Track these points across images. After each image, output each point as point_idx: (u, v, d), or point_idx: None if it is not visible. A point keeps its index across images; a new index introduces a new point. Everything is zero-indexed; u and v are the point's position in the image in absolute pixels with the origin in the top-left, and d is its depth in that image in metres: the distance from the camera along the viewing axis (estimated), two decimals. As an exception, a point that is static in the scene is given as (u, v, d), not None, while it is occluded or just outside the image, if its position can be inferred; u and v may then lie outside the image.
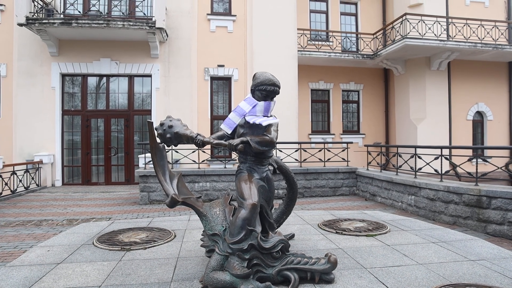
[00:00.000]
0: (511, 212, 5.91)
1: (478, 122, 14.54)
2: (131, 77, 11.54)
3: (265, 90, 2.96)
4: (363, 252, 3.36)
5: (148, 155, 9.07)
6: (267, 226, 3.07)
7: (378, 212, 5.48)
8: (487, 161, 7.37)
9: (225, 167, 9.51)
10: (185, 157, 9.14)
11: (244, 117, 2.98)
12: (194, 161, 9.29)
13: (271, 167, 3.25)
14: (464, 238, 3.92)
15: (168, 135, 3.10)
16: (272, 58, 12.31)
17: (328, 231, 4.17)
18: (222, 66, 12.44)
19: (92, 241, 3.78)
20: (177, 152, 9.13)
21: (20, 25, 9.87)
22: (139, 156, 9.98)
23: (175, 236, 3.98)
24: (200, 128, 11.87)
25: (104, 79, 11.48)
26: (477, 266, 3.04)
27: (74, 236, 4.04)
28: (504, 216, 5.99)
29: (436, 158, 7.46)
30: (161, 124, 3.16)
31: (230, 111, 12.49)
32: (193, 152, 9.31)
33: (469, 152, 13.25)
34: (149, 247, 3.53)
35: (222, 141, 2.94)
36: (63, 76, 11.24)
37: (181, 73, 11.66)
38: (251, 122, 2.85)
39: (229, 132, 3.03)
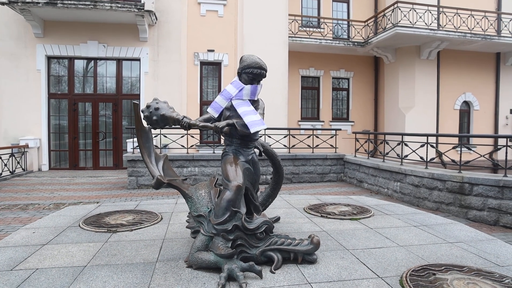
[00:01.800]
0: (491, 199, 6.09)
1: (465, 112, 14.77)
2: (119, 61, 11.34)
3: (252, 73, 2.96)
4: (346, 235, 3.44)
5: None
6: (253, 208, 3.11)
7: (364, 197, 5.58)
8: (471, 150, 7.53)
9: (213, 152, 9.53)
10: (174, 142, 9.11)
11: (230, 101, 2.98)
12: (183, 146, 9.27)
13: (257, 150, 3.27)
14: (444, 222, 4.03)
15: (154, 117, 3.08)
16: (263, 44, 12.21)
17: (313, 214, 4.25)
18: (212, 51, 12.30)
19: (79, 223, 3.78)
20: (165, 137, 9.09)
21: (2, 3, 9.57)
22: (127, 140, 9.92)
23: (161, 218, 4.01)
24: (189, 113, 11.79)
25: (92, 62, 11.27)
26: (455, 248, 3.15)
27: (60, 218, 4.03)
28: (485, 202, 6.16)
29: (422, 146, 7.59)
30: (148, 106, 3.14)
31: (220, 97, 12.44)
32: (181, 137, 9.29)
33: (455, 140, 13.49)
34: (135, 229, 3.55)
35: (208, 124, 2.94)
36: (49, 58, 10.98)
37: (171, 58, 11.50)
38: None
39: (216, 115, 3.03)
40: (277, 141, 10.18)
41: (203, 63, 12.46)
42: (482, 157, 7.03)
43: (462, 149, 9.77)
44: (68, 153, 11.19)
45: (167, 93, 11.26)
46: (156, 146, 9.14)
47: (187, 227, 3.01)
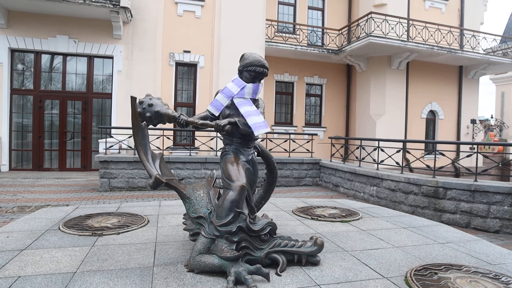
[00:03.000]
0: (464, 202, 6.37)
1: (431, 121, 15.52)
2: (90, 58, 10.84)
3: (254, 72, 2.89)
4: (341, 237, 3.43)
5: (110, 139, 8.62)
6: (249, 210, 3.02)
7: (348, 200, 5.65)
8: (443, 155, 7.84)
9: (189, 155, 9.31)
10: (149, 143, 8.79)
11: (231, 99, 2.89)
12: (158, 148, 8.98)
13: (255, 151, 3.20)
14: (430, 224, 4.15)
15: (147, 114, 2.92)
16: (240, 47, 12.16)
17: (304, 217, 4.22)
18: (188, 52, 12.09)
19: (58, 226, 3.50)
20: (141, 138, 8.74)
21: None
22: (99, 140, 9.45)
23: (148, 221, 3.80)
24: (164, 114, 11.46)
25: (60, 57, 10.68)
26: (447, 248, 3.23)
27: (35, 221, 3.72)
28: (457, 205, 6.44)
29: (398, 151, 7.84)
30: (140, 103, 2.97)
31: (194, 98, 12.23)
32: (157, 138, 9.00)
33: (422, 147, 14.11)
34: (122, 232, 3.34)
35: (208, 122, 2.83)
36: (13, 51, 10.28)
37: (145, 57, 11.16)
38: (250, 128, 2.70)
39: (217, 114, 2.92)
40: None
41: (178, 64, 12.20)
42: (456, 163, 7.37)
43: (429, 155, 10.24)
44: (31, 153, 10.49)
45: (141, 93, 10.68)
46: (129, 147, 8.79)
47: (184, 229, 2.86)
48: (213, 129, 2.75)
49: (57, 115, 10.68)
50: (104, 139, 8.59)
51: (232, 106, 2.91)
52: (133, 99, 2.72)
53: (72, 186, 8.33)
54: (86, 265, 2.56)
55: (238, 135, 2.90)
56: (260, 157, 3.45)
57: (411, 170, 9.13)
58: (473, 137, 15.73)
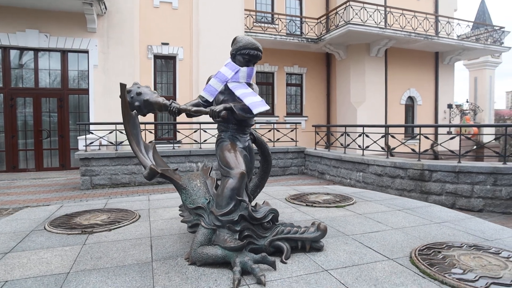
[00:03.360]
0: (449, 184, 6.50)
1: (410, 106, 15.84)
2: (64, 52, 10.36)
3: (248, 55, 2.77)
4: (339, 221, 3.40)
5: (89, 136, 8.31)
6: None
7: (338, 186, 5.65)
8: (427, 138, 7.97)
9: (173, 148, 9.12)
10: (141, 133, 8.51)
11: (225, 84, 2.77)
12: (142, 143, 8.73)
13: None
14: (423, 205, 4.19)
15: (136, 103, 2.78)
16: (219, 38, 11.94)
17: (298, 204, 4.17)
18: (167, 44, 11.78)
19: (43, 226, 3.30)
20: (121, 133, 8.44)
21: None
22: (78, 137, 9.08)
23: (139, 216, 3.65)
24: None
25: (31, 53, 10.15)
26: (444, 227, 3.25)
27: (17, 222, 3.49)
28: (443, 187, 6.57)
29: (382, 137, 7.93)
30: (128, 92, 2.81)
31: (175, 91, 11.96)
32: (140, 133, 8.75)
33: (402, 131, 14.38)
34: (114, 228, 3.18)
35: (202, 108, 2.71)
36: (-22, 47, 9.70)
37: (122, 50, 10.77)
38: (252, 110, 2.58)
39: (211, 99, 2.80)
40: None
41: (157, 57, 11.89)
42: (434, 148, 7.52)
43: (411, 140, 10.41)
44: (5, 154, 9.98)
45: (119, 88, 10.50)
46: (111, 143, 8.49)
47: (182, 221, 2.74)
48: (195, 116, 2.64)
49: (30, 113, 10.18)
50: (84, 136, 8.26)
51: (226, 92, 2.79)
52: (122, 86, 2.56)
53: (52, 186, 7.98)
54: (79, 264, 2.40)
55: (233, 121, 2.79)
56: (254, 144, 3.36)
57: (391, 155, 9.26)
58: (450, 121, 16.18)
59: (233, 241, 2.31)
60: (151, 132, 9.34)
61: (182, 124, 10.98)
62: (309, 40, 14.69)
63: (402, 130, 14.58)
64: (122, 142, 8.65)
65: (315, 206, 4.04)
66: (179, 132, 9.61)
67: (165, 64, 12.15)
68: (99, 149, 8.61)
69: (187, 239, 2.89)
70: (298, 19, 15.53)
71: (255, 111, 2.55)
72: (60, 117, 10.38)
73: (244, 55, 2.77)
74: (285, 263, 2.38)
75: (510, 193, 6.09)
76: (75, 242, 2.84)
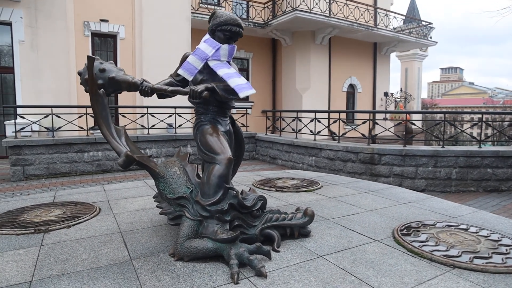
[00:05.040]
0: (396, 166, 6.93)
1: (351, 94, 16.62)
2: (-20, 23, 8.93)
3: (229, 31, 2.55)
4: (315, 205, 3.39)
5: (19, 121, 7.33)
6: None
7: (300, 171, 5.68)
8: (377, 123, 8.40)
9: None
10: (71, 123, 7.70)
11: (205, 62, 2.53)
12: (82, 128, 7.96)
13: (229, 121, 2.91)
14: (385, 187, 4.37)
15: (100, 81, 2.42)
16: (164, 18, 11.26)
17: (268, 189, 4.09)
18: (106, 21, 10.80)
19: (-18, 226, 2.78)
20: (58, 117, 7.59)
21: None
22: (5, 123, 7.94)
23: (100, 209, 3.26)
24: (81, 91, 10.16)
25: None
26: (411, 207, 3.41)
27: None
28: (391, 170, 6.98)
29: (334, 122, 8.17)
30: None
31: (116, 73, 11.05)
32: (79, 117, 7.97)
33: (343, 117, 15.06)
34: (73, 225, 2.78)
35: (180, 88, 2.45)
36: None
37: (54, 25, 9.59)
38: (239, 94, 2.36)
39: (190, 78, 2.53)
40: (188, 120, 9.68)
41: (95, 34, 10.86)
42: (387, 131, 7.93)
43: (348, 126, 10.93)
44: None
45: (52, 68, 9.41)
46: (46, 128, 7.59)
47: (160, 213, 2.47)
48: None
49: None
50: (13, 121, 7.25)
51: (205, 71, 2.56)
52: (90, 59, 2.19)
53: (-27, 179, 6.93)
54: (42, 270, 2.04)
55: (214, 103, 2.58)
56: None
57: (334, 139, 9.61)
58: (386, 108, 17.35)
59: (225, 232, 2.14)
60: (92, 117, 8.50)
61: (125, 108, 10.25)
62: (256, 24, 14.54)
63: (344, 116, 15.27)
64: (61, 127, 7.77)
65: (285, 191, 3.99)
66: (124, 116, 8.91)
67: (105, 43, 11.16)
68: (31, 135, 7.65)
69: (164, 232, 2.64)
70: (245, 2, 15.25)
71: (241, 95, 2.35)
72: (-22, 99, 9.00)
73: (225, 31, 2.55)
74: (277, 251, 2.28)
75: (448, 174, 6.69)
76: (30, 244, 2.43)
